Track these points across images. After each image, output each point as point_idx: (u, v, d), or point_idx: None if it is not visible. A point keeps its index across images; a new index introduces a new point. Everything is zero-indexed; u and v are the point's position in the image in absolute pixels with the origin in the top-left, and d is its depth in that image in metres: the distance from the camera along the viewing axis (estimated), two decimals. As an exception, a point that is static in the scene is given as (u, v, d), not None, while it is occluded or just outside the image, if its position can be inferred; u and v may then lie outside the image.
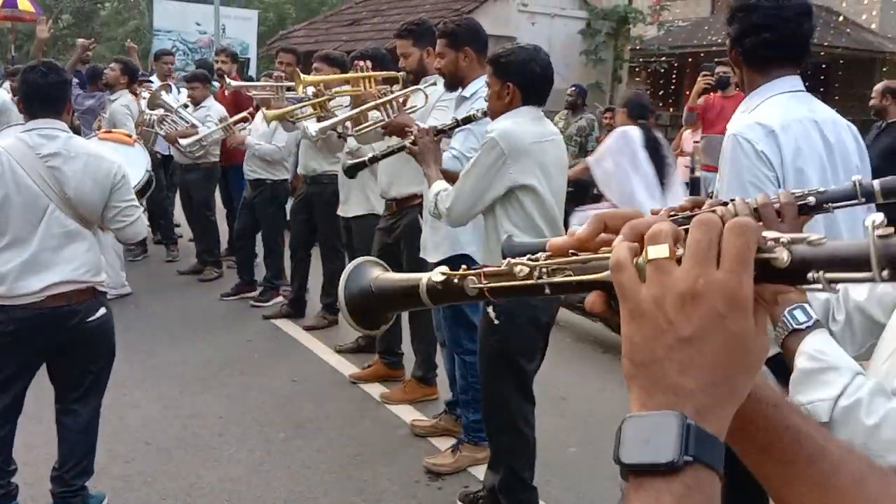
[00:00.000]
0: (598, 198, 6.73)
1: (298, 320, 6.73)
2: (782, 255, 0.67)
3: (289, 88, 6.55)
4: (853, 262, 0.65)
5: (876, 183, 1.45)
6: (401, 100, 4.29)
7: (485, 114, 3.54)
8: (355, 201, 5.64)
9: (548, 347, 3.68)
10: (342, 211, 5.79)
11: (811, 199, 1.44)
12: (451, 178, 3.66)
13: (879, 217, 0.66)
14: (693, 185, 8.39)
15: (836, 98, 16.74)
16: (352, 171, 4.15)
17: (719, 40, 14.74)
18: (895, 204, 1.45)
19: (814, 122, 2.47)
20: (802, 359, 1.39)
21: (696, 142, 8.69)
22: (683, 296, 0.66)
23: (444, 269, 0.82)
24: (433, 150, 3.57)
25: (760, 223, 0.71)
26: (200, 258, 8.25)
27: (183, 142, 7.52)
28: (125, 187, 3.52)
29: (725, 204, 1.46)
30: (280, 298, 7.14)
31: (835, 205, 1.46)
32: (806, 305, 1.45)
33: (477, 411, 4.07)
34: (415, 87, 4.51)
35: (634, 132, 6.07)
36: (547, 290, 0.76)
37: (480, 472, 4.03)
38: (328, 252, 6.49)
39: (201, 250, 8.26)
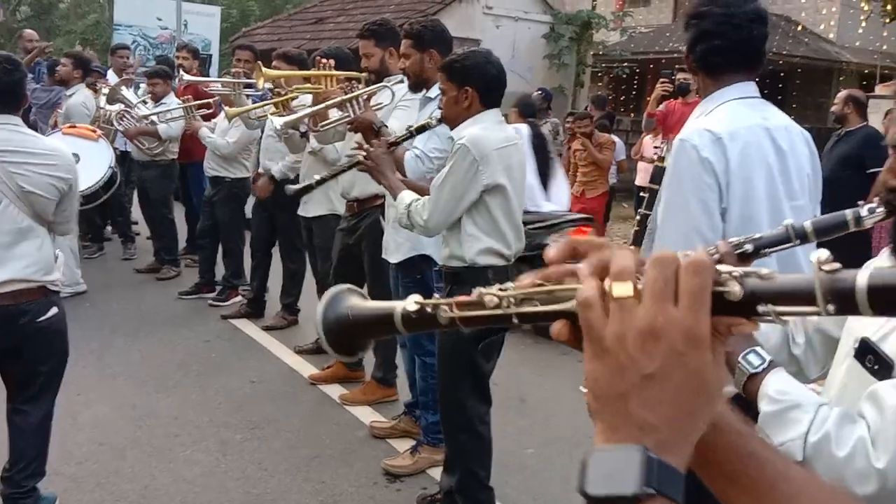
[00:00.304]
0: None
1: (258, 320, 6.67)
2: (735, 289, 0.69)
3: (248, 86, 6.53)
4: (801, 297, 0.68)
5: (808, 224, 1.49)
6: (365, 97, 4.27)
7: (440, 120, 3.54)
8: (316, 201, 5.61)
9: (505, 348, 3.70)
10: (303, 211, 5.75)
11: (748, 247, 1.49)
12: (412, 186, 3.61)
13: (825, 254, 0.68)
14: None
15: (794, 106, 17.03)
16: (299, 195, 4.10)
17: (680, 47, 14.91)
18: None
19: (765, 129, 2.44)
20: (765, 402, 1.42)
21: (657, 147, 8.77)
22: (644, 334, 0.68)
23: (418, 297, 0.84)
24: (388, 161, 3.54)
25: (715, 258, 0.73)
26: (158, 256, 8.15)
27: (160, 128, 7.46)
28: (75, 190, 3.50)
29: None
30: (239, 298, 7.07)
31: (770, 249, 1.50)
32: (758, 349, 1.49)
33: (436, 413, 4.07)
34: (380, 84, 4.49)
35: (524, 129, 6.91)
36: (515, 320, 0.78)
37: (439, 473, 4.02)
38: (288, 252, 6.45)
39: (159, 248, 8.16)
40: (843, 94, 7.03)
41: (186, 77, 7.02)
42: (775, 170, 2.41)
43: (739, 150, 2.36)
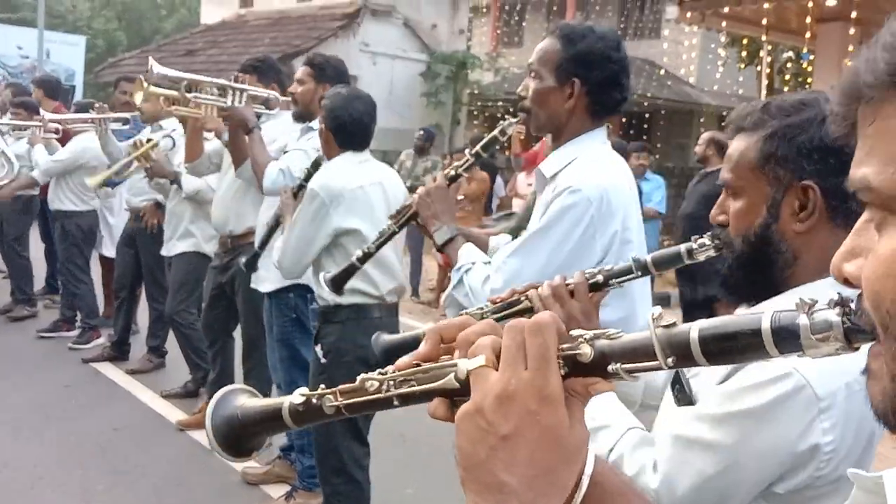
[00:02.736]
0: None
1: (122, 363, 6.35)
2: (586, 350, 0.73)
3: (116, 119, 6.31)
4: (643, 353, 0.72)
5: (648, 257, 1.58)
6: (248, 93, 4.14)
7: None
8: (180, 238, 5.41)
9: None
10: (165, 250, 5.54)
11: (600, 277, 1.57)
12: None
13: (658, 310, 0.73)
14: None
15: (658, 145, 17.82)
16: (339, 285, 4.02)
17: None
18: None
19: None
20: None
21: (529, 184, 8.98)
22: (499, 397, 0.71)
23: (304, 390, 0.86)
24: (290, 206, 3.48)
25: (556, 317, 0.76)
26: (13, 295, 7.68)
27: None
28: None
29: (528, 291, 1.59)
30: (102, 340, 6.72)
31: (617, 280, 1.57)
32: None
33: (312, 456, 3.95)
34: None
35: None
36: (395, 402, 0.81)
37: (315, 519, 3.90)
38: (154, 291, 6.17)
39: (14, 287, 7.69)
40: (706, 136, 7.37)
41: (49, 115, 6.67)
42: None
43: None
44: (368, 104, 3.48)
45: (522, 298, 1.58)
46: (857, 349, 0.65)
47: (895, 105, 0.59)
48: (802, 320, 0.66)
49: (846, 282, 0.65)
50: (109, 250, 7.21)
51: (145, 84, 4.38)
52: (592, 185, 2.13)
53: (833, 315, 0.65)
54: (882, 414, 0.63)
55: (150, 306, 6.23)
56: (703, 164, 7.18)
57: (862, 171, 0.62)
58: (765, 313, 0.68)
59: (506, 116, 2.50)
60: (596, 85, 2.20)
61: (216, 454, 0.87)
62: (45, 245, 8.18)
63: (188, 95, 4.17)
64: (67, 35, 20.18)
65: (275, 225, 3.72)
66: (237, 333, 4.96)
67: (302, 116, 4.11)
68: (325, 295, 3.37)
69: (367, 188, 3.41)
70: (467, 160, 2.34)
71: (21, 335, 6.99)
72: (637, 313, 2.19)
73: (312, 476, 4.02)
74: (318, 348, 3.43)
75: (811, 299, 0.66)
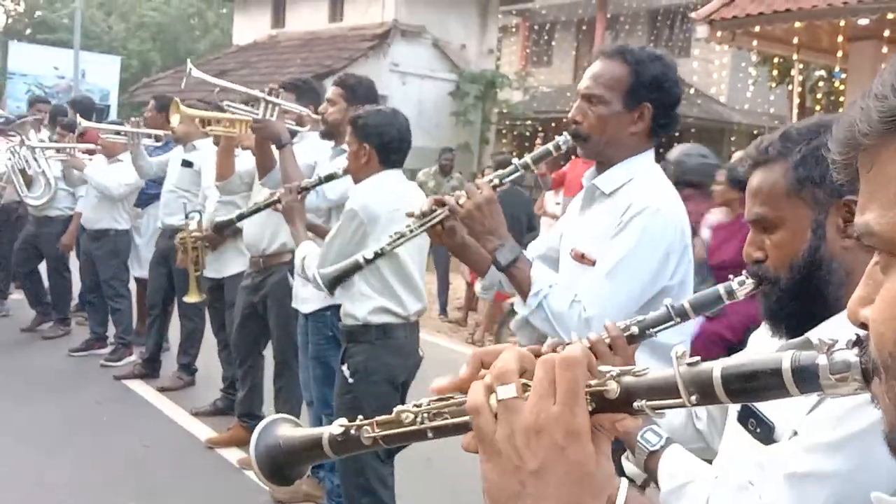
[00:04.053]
0: None
1: (152, 381, 6.39)
2: (612, 387, 0.75)
3: (148, 135, 6.40)
4: (668, 390, 0.73)
5: (685, 303, 1.57)
6: (281, 107, 4.16)
7: (346, 171, 3.52)
8: (230, 259, 5.42)
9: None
10: (215, 271, 5.55)
11: (634, 329, 1.55)
12: (321, 233, 3.64)
13: (681, 348, 0.73)
14: None
15: (689, 165, 17.71)
16: (219, 229, 4.00)
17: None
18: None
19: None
20: (664, 479, 1.47)
21: (558, 203, 8.96)
22: (528, 431, 0.72)
23: (343, 420, 0.88)
24: (298, 209, 3.51)
25: (588, 352, 0.77)
26: (41, 314, 7.75)
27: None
28: None
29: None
30: (133, 357, 6.78)
31: (654, 329, 1.56)
32: (655, 427, 1.56)
33: (340, 475, 3.95)
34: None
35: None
36: (430, 434, 0.83)
37: (343, 539, 3.88)
38: (187, 309, 6.21)
39: (44, 307, 7.75)
40: (739, 155, 7.28)
41: (84, 123, 6.74)
42: None
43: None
44: (407, 122, 3.52)
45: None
46: None
47: (891, 151, 0.61)
48: (822, 360, 0.67)
49: (863, 326, 0.66)
50: (136, 270, 7.28)
51: (181, 107, 4.44)
52: (664, 203, 2.13)
53: (851, 356, 0.66)
54: (892, 445, 0.64)
55: (181, 324, 6.27)
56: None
57: (864, 217, 0.64)
58: (785, 353, 0.70)
59: (537, 135, 2.48)
60: (664, 108, 2.20)
61: (258, 480, 0.90)
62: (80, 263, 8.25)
63: (221, 104, 4.23)
64: (102, 56, 20.56)
65: (261, 209, 3.73)
66: (267, 352, 4.98)
67: (330, 135, 4.13)
68: (357, 314, 3.38)
69: (402, 211, 3.42)
70: (514, 170, 2.24)
71: (52, 353, 7.04)
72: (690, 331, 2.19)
73: (341, 495, 4.01)
74: (344, 368, 3.43)
75: (831, 339, 0.68)
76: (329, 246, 3.36)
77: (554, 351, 1.55)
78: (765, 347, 1.56)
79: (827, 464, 1.28)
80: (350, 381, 3.40)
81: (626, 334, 1.54)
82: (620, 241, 2.13)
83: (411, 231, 2.29)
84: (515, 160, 2.32)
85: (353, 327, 3.44)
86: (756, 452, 1.41)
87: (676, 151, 5.71)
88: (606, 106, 2.19)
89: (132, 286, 7.31)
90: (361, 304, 3.39)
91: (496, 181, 2.20)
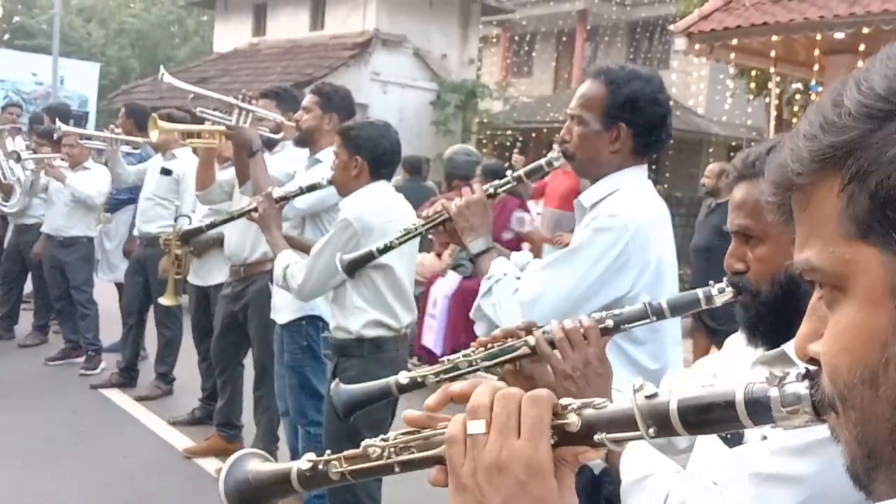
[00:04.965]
0: None
1: (130, 390, 6.34)
2: (574, 420, 0.75)
3: (126, 143, 6.39)
4: (627, 423, 0.74)
5: (664, 302, 1.57)
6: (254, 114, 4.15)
7: (330, 182, 3.50)
8: (216, 267, 5.37)
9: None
10: (201, 279, 5.49)
11: (609, 322, 1.55)
12: (295, 244, 3.63)
13: (639, 381, 0.74)
14: None
15: (667, 175, 17.85)
16: (186, 238, 3.98)
17: (560, 117, 15.45)
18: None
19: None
20: (625, 472, 1.47)
21: (539, 213, 8.97)
22: (490, 468, 0.73)
23: (311, 455, 0.88)
24: (275, 217, 3.48)
25: (550, 392, 0.77)
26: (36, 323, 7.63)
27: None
28: None
29: (530, 332, 1.55)
30: (104, 364, 6.72)
31: (630, 325, 1.57)
32: None
33: (319, 486, 3.92)
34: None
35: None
36: (397, 469, 0.83)
37: (322, 550, 3.87)
38: (164, 318, 6.17)
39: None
40: (715, 167, 7.34)
41: (64, 127, 6.65)
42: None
43: None
44: (397, 135, 3.52)
45: (520, 344, 1.55)
46: (825, 421, 0.67)
47: (825, 188, 0.62)
48: (773, 393, 0.68)
49: (811, 360, 0.67)
50: (107, 274, 7.36)
51: (158, 122, 4.43)
52: (632, 214, 2.13)
53: (802, 388, 0.67)
54: (854, 476, 0.65)
55: (158, 333, 6.22)
56: (712, 196, 7.16)
57: (805, 254, 0.65)
58: (738, 386, 0.70)
59: (515, 145, 2.54)
60: (642, 128, 2.20)
61: None
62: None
63: (195, 111, 4.22)
64: (81, 62, 20.40)
65: (235, 218, 3.73)
66: (247, 361, 4.96)
67: (303, 142, 4.13)
68: (351, 327, 3.35)
69: (395, 223, 3.42)
70: (508, 181, 2.33)
71: (27, 362, 6.98)
72: (667, 357, 2.18)
73: (320, 505, 4.00)
74: (336, 380, 3.38)
75: (783, 372, 0.69)
76: (318, 256, 3.33)
77: (507, 338, 1.54)
78: (741, 354, 1.58)
79: (793, 466, 1.29)
80: None
81: (600, 326, 1.54)
82: (573, 240, 2.19)
83: (416, 228, 2.42)
84: (510, 172, 2.39)
85: (345, 341, 3.40)
86: (724, 456, 1.43)
87: (449, 151, 7.18)
88: (586, 126, 2.22)
89: (111, 290, 7.27)
90: (355, 318, 3.35)
91: (490, 189, 2.31)
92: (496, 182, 2.34)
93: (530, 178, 2.44)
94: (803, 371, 0.68)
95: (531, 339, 1.54)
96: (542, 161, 2.32)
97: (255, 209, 3.49)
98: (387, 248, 2.54)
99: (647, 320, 1.57)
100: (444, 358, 1.63)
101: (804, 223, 0.65)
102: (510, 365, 1.57)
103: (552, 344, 1.52)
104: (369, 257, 2.68)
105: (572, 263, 2.15)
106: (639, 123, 2.19)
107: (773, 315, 1.43)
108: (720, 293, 1.50)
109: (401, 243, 2.50)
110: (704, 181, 7.34)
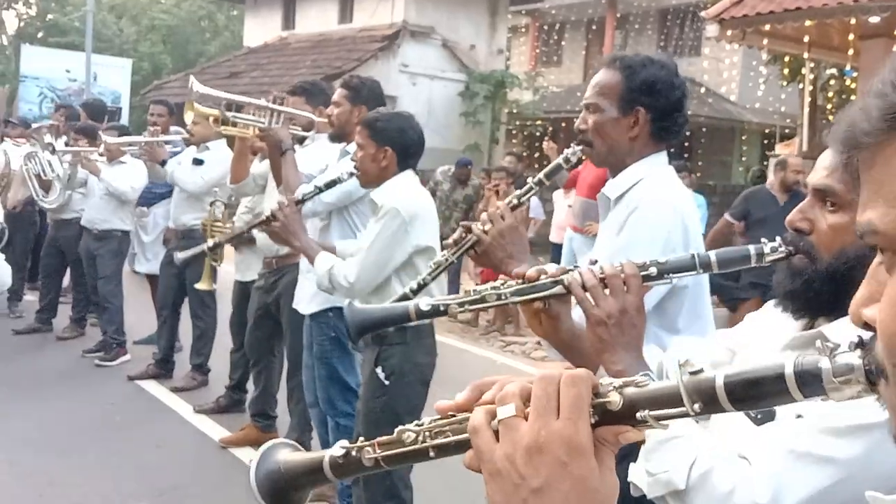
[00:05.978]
0: None
1: (166, 381, 6.43)
2: (615, 398, 0.74)
3: (167, 142, 6.43)
4: (671, 400, 0.73)
5: (713, 255, 1.53)
6: (287, 115, 4.18)
7: (351, 174, 3.49)
8: (255, 262, 5.34)
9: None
10: (241, 274, 5.52)
11: (653, 270, 1.52)
12: (323, 246, 3.56)
13: (684, 357, 0.73)
14: None
15: (700, 163, 17.68)
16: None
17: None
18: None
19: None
20: (650, 434, 1.43)
21: (569, 206, 8.91)
22: (529, 449, 0.72)
23: (344, 442, 0.87)
24: (297, 221, 3.46)
25: (590, 372, 0.77)
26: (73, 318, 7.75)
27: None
28: None
29: (568, 271, 1.52)
30: (126, 357, 6.82)
31: (675, 275, 1.53)
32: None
33: (351, 475, 3.94)
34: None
35: None
36: (432, 454, 0.82)
37: (356, 538, 3.89)
38: (197, 310, 6.24)
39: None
40: (798, 161, 7.23)
41: (109, 140, 6.71)
42: None
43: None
44: (419, 125, 3.54)
45: (552, 283, 1.52)
46: (878, 391, 0.65)
47: (892, 148, 0.61)
48: (825, 364, 0.67)
49: (866, 326, 0.65)
50: (143, 266, 7.51)
51: (195, 105, 4.46)
52: (676, 200, 2.13)
53: (854, 358, 0.66)
54: None
55: (193, 324, 6.30)
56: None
57: (867, 215, 0.63)
58: (787, 358, 0.69)
59: (546, 135, 2.50)
60: (660, 112, 2.18)
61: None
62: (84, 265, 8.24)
63: (228, 114, 4.24)
64: (114, 58, 20.66)
65: (248, 230, 3.78)
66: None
67: (338, 137, 4.14)
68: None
69: (430, 207, 3.48)
70: (530, 188, 2.29)
71: (65, 354, 7.09)
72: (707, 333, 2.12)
73: (351, 494, 4.02)
74: (379, 370, 3.37)
75: (834, 343, 0.67)
76: (369, 249, 3.32)
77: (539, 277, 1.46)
78: (769, 328, 1.53)
79: (831, 447, 1.27)
80: (386, 383, 3.36)
81: (643, 273, 1.51)
82: (622, 236, 2.14)
83: (447, 259, 2.35)
84: (530, 179, 2.36)
85: (387, 330, 3.42)
86: (752, 433, 1.39)
87: None
88: (602, 113, 2.20)
89: (144, 283, 7.37)
90: None
91: (514, 201, 2.24)
92: (518, 192, 2.29)
93: (550, 180, 2.41)
94: (856, 340, 0.66)
95: (566, 278, 1.52)
96: (560, 159, 2.29)
97: (273, 218, 3.45)
98: (421, 287, 2.48)
99: (693, 272, 1.53)
100: (472, 288, 1.63)
101: (869, 184, 0.64)
102: (539, 303, 1.55)
103: (585, 288, 1.49)
104: (404, 300, 2.60)
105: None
106: (657, 107, 2.17)
107: (827, 287, 1.36)
108: (772, 251, 1.44)
109: (433, 278, 2.47)
110: (789, 176, 6.99)
